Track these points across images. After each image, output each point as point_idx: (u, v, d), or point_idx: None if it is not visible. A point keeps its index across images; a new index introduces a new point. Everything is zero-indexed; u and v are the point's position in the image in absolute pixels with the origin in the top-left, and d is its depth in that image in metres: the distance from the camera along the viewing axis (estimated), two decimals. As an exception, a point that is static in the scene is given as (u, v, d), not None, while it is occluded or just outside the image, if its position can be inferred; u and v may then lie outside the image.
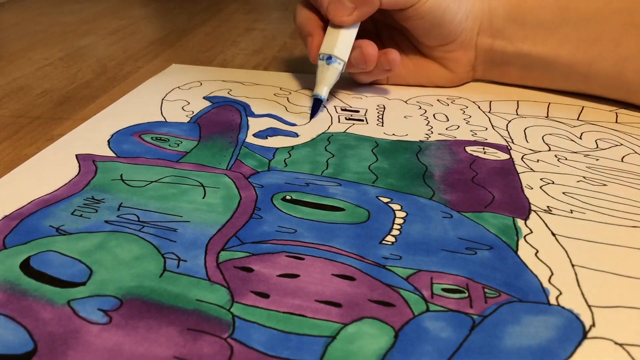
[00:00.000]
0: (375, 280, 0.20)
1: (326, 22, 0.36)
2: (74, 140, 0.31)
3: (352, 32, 0.35)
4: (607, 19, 0.35)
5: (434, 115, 0.36)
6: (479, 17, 0.37)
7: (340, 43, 0.35)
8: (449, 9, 0.35)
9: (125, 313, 0.18)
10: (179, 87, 0.40)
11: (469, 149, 0.31)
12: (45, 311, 0.18)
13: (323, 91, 0.35)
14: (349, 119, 0.35)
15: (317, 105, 0.35)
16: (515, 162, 0.29)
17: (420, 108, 0.37)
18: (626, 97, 0.37)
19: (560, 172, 0.28)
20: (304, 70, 0.45)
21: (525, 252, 0.22)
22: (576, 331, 0.18)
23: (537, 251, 0.22)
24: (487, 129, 0.34)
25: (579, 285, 0.20)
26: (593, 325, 0.18)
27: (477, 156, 0.30)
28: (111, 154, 0.29)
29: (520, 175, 0.28)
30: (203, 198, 0.25)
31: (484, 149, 0.31)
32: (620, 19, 0.35)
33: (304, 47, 0.38)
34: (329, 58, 0.35)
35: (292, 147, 0.31)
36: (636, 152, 0.31)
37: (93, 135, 0.31)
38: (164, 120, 0.34)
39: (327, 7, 0.34)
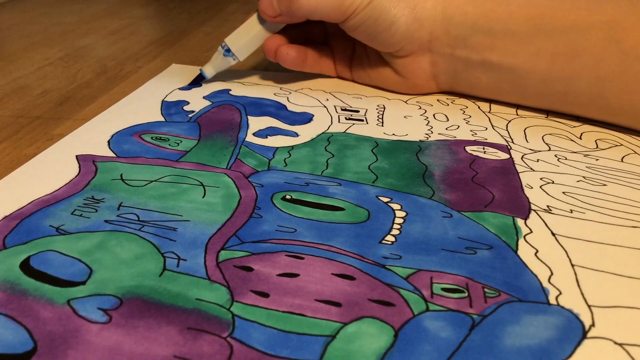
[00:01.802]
0: (375, 279, 0.20)
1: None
2: (74, 140, 0.31)
3: (262, 35, 0.38)
4: (586, 32, 0.32)
5: (433, 115, 0.36)
6: (428, 25, 0.35)
7: (245, 44, 0.38)
8: (379, 19, 0.35)
9: (125, 312, 0.18)
10: (179, 88, 0.40)
11: (469, 148, 0.31)
12: (45, 310, 0.18)
13: (210, 72, 0.40)
14: (349, 119, 0.35)
15: (198, 78, 0.40)
16: (515, 162, 0.29)
17: (420, 108, 0.37)
18: (608, 119, 0.34)
19: (560, 171, 0.29)
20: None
21: (525, 252, 0.22)
22: (576, 331, 0.18)
23: (537, 251, 0.22)
24: (487, 128, 0.34)
25: (578, 285, 0.20)
26: (593, 325, 0.18)
27: (477, 156, 0.30)
28: (111, 154, 0.29)
29: (520, 174, 0.28)
30: (203, 197, 0.25)
31: (484, 148, 0.31)
32: (601, 33, 0.31)
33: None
34: (228, 50, 0.39)
35: (292, 147, 0.31)
36: (636, 152, 0.31)
37: (93, 135, 0.31)
38: (163, 120, 0.34)
39: (259, 1, 0.36)
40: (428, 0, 0.35)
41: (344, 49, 0.42)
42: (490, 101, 0.38)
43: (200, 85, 0.40)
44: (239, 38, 0.38)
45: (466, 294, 0.19)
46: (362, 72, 0.41)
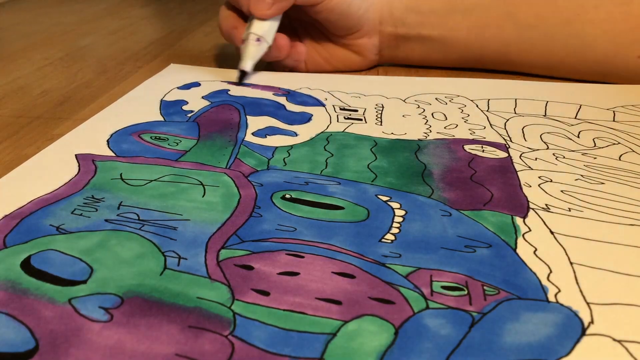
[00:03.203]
0: (375, 278, 0.20)
1: (246, 19, 0.41)
2: (73, 140, 0.31)
3: (276, 21, 0.40)
4: (489, 8, 0.42)
5: (432, 114, 0.36)
6: (379, 9, 0.43)
7: (269, 28, 0.40)
8: (352, 4, 0.41)
9: (127, 311, 0.18)
10: (177, 87, 0.40)
11: (467, 147, 0.31)
12: (47, 309, 0.18)
13: (249, 65, 0.40)
14: (348, 118, 0.35)
15: (243, 76, 0.41)
16: (513, 160, 0.29)
17: (418, 107, 0.37)
18: (514, 70, 0.44)
19: (559, 170, 0.29)
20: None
21: (523, 250, 0.22)
22: (575, 328, 0.18)
23: (536, 249, 0.22)
24: (485, 127, 0.34)
25: (577, 283, 0.20)
26: (592, 322, 0.18)
27: (475, 154, 0.30)
28: (110, 153, 0.29)
29: (518, 173, 0.28)
30: (203, 196, 0.25)
31: (482, 147, 0.31)
32: (499, 8, 0.42)
33: (228, 40, 0.43)
34: (258, 39, 0.40)
35: (291, 146, 0.31)
36: (634, 151, 0.31)
37: (92, 135, 0.31)
38: (162, 119, 0.34)
39: (249, 3, 0.39)
40: None
41: (293, 44, 0.44)
42: (424, 67, 0.46)
43: (244, 83, 0.41)
44: (260, 26, 0.40)
45: (466, 292, 0.19)
46: (318, 60, 0.44)
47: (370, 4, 0.42)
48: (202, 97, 0.38)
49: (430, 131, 0.33)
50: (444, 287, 0.20)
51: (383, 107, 0.37)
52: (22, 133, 0.33)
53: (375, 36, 0.44)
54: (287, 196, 0.25)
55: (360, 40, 0.43)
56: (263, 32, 0.40)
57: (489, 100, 0.38)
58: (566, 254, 0.22)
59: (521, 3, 0.42)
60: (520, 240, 0.23)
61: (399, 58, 0.46)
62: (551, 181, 0.27)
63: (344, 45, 0.44)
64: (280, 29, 0.41)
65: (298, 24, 0.45)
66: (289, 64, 0.44)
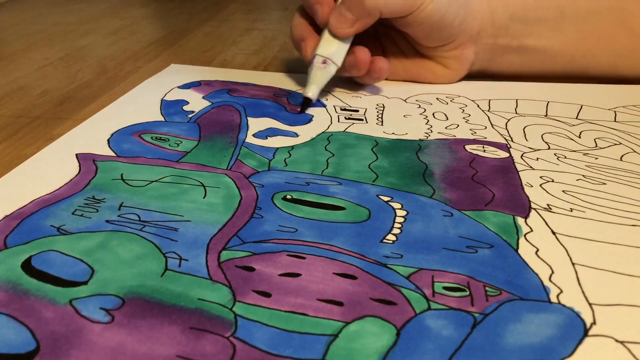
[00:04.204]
0: (376, 278, 0.20)
1: (319, 29, 0.37)
2: (74, 139, 0.31)
3: (347, 41, 0.36)
4: (602, 16, 0.39)
5: (433, 114, 0.36)
6: (478, 17, 0.38)
7: (338, 48, 0.36)
8: (448, 13, 0.36)
9: (128, 312, 0.18)
10: (177, 87, 0.40)
11: (468, 147, 0.31)
12: (47, 310, 0.18)
13: (314, 92, 0.36)
14: (349, 119, 0.35)
15: (306, 104, 0.36)
16: (514, 161, 0.29)
17: (419, 107, 0.37)
18: (620, 81, 0.41)
19: (560, 170, 0.29)
20: (303, 70, 0.45)
21: (525, 251, 0.22)
22: (577, 329, 0.18)
23: (538, 249, 0.22)
24: (486, 127, 0.34)
25: (579, 284, 0.20)
26: (594, 323, 0.18)
27: (476, 154, 0.30)
28: (111, 153, 0.29)
29: (520, 173, 0.28)
30: (204, 198, 0.25)
31: (483, 147, 0.31)
32: (613, 16, 0.39)
33: (297, 51, 0.39)
34: (325, 62, 0.36)
35: (292, 147, 0.31)
36: (635, 151, 0.31)
37: (93, 134, 0.31)
38: (163, 120, 0.34)
39: (328, 19, 0.35)
40: None
41: (374, 50, 0.39)
42: (513, 78, 0.42)
43: (308, 109, 0.37)
44: (328, 45, 0.36)
45: (467, 293, 0.19)
46: (398, 68, 0.41)
47: (468, 13, 0.38)
48: (203, 98, 0.38)
49: (432, 131, 0.33)
50: (445, 288, 0.20)
51: (384, 107, 0.37)
52: (22, 133, 0.33)
53: (471, 47, 0.39)
54: (288, 197, 0.25)
55: (453, 52, 0.39)
56: (330, 54, 0.36)
57: (490, 100, 0.38)
58: (568, 255, 0.22)
59: (638, 11, 0.39)
60: (522, 240, 0.22)
61: (491, 70, 0.42)
62: (553, 181, 0.27)
63: (434, 58, 0.40)
64: (362, 39, 0.37)
65: (382, 32, 0.41)
66: (366, 82, 0.40)
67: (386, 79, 0.41)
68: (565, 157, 0.30)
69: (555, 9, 0.39)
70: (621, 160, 0.30)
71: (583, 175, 0.28)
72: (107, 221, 0.23)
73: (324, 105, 0.37)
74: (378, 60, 0.37)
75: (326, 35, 0.36)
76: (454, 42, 0.38)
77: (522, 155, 0.30)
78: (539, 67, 0.41)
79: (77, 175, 0.27)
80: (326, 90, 0.40)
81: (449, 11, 0.36)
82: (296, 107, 0.37)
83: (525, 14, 0.39)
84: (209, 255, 0.21)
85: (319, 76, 0.36)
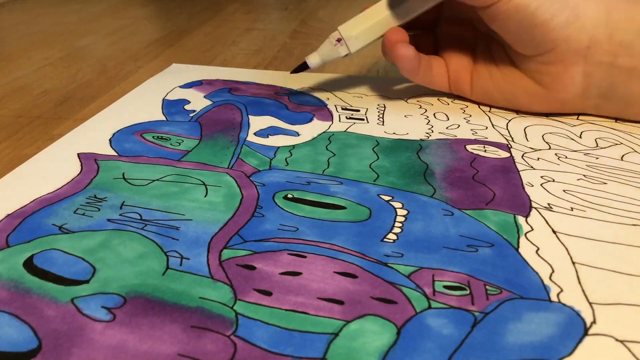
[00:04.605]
0: (377, 277, 0.20)
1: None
2: (75, 139, 0.31)
3: (384, 24, 0.34)
4: None
5: (434, 114, 0.36)
6: (590, 27, 0.30)
7: (360, 33, 0.34)
8: (541, 9, 0.29)
9: (129, 311, 0.18)
10: (179, 86, 0.40)
11: (469, 147, 0.31)
12: (49, 309, 0.18)
13: (314, 61, 0.36)
14: (350, 118, 0.35)
15: (301, 67, 0.36)
16: (515, 160, 0.29)
17: (420, 107, 0.37)
18: None
19: (561, 170, 0.29)
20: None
21: (526, 250, 0.22)
22: (577, 328, 0.18)
23: (538, 248, 0.22)
24: (487, 127, 0.34)
25: (579, 283, 0.20)
26: (594, 322, 0.18)
27: (477, 154, 0.30)
28: (113, 152, 0.29)
29: (520, 173, 0.28)
30: (205, 196, 0.25)
31: (484, 147, 0.31)
32: None
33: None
34: (339, 40, 0.34)
35: (293, 146, 0.31)
36: (635, 151, 0.31)
37: (94, 134, 0.31)
38: (164, 119, 0.34)
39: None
40: (592, 1, 0.31)
41: (459, 58, 0.36)
42: None
43: (302, 70, 0.37)
44: (355, 26, 0.34)
45: (468, 292, 0.19)
46: (488, 85, 0.35)
47: (575, 17, 0.30)
48: (204, 97, 0.38)
49: (432, 131, 0.33)
50: (446, 287, 0.20)
51: (385, 107, 0.37)
52: (22, 133, 0.33)
53: (578, 66, 0.31)
54: (289, 196, 0.25)
55: (552, 66, 0.31)
56: (348, 35, 0.34)
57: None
58: (568, 254, 0.22)
59: None
60: (522, 239, 0.23)
61: (614, 105, 0.33)
62: (553, 181, 0.27)
63: (530, 72, 0.33)
64: (460, 43, 0.33)
65: (479, 39, 0.35)
66: (425, 84, 0.36)
67: (474, 99, 0.36)
68: (566, 157, 0.30)
69: None
70: (622, 160, 0.30)
71: (584, 175, 0.28)
72: (108, 220, 0.23)
73: (325, 105, 0.37)
74: (401, 46, 0.33)
75: (360, 14, 0.34)
76: (552, 52, 0.31)
77: (523, 155, 0.30)
78: None
79: (78, 174, 0.27)
80: (327, 90, 0.40)
81: (542, 7, 0.29)
82: (299, 106, 0.37)
83: None
84: (210, 254, 0.21)
85: (327, 50, 0.35)
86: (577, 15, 0.30)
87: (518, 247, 0.22)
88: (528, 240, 0.23)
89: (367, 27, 0.34)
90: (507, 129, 0.34)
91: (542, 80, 0.32)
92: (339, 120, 0.35)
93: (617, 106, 0.33)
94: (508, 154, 0.30)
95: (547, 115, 0.36)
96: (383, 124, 0.34)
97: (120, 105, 0.36)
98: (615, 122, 0.35)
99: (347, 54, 0.35)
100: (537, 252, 0.22)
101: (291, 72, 0.36)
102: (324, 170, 0.28)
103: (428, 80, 0.36)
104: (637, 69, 0.30)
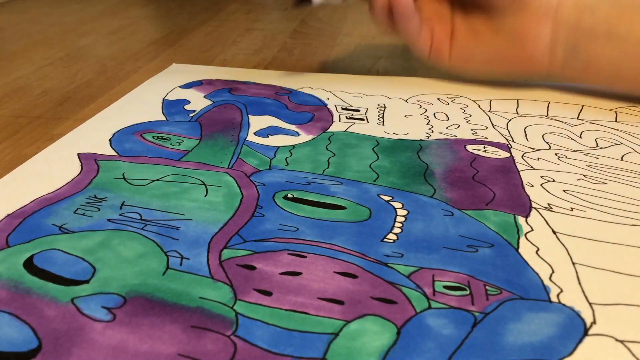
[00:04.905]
0: (377, 277, 0.20)
1: None
2: (75, 139, 0.31)
3: None
4: None
5: (434, 114, 0.36)
6: None
7: None
8: None
9: (129, 310, 0.18)
10: (179, 86, 0.40)
11: (469, 147, 0.31)
12: (49, 309, 0.18)
13: None
14: (350, 118, 0.35)
15: (302, 1, 0.35)
16: (515, 160, 0.29)
17: (420, 107, 0.37)
18: None
19: (561, 170, 0.29)
20: (304, 69, 0.45)
21: (526, 250, 0.22)
22: (577, 328, 0.18)
23: (538, 249, 0.22)
24: (487, 127, 0.34)
25: (579, 283, 0.20)
26: (594, 322, 0.18)
27: (477, 154, 0.30)
28: (113, 152, 0.29)
29: (520, 173, 0.28)
30: (205, 196, 0.25)
31: (484, 147, 0.31)
32: None
33: None
34: None
35: (293, 146, 0.31)
36: (636, 151, 0.31)
37: (94, 134, 0.31)
38: (165, 119, 0.34)
39: None
40: None
41: (441, 25, 0.37)
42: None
43: (308, 5, 0.36)
44: None
45: (468, 292, 0.19)
46: (465, 49, 0.36)
47: None
48: (205, 97, 0.38)
49: (432, 131, 0.33)
50: (446, 287, 0.20)
51: (385, 107, 0.37)
52: (22, 133, 0.33)
53: (548, 22, 0.33)
54: (290, 196, 0.25)
55: (525, 21, 0.33)
56: None
57: (490, 100, 0.38)
58: (568, 254, 0.22)
59: None
60: (522, 239, 0.23)
61: (577, 66, 0.34)
62: (553, 181, 0.27)
63: (505, 32, 0.34)
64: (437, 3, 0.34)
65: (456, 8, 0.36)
66: (408, 41, 0.36)
67: (452, 65, 0.37)
68: (566, 157, 0.30)
69: None
70: (622, 160, 0.30)
71: (584, 175, 0.28)
72: (108, 220, 0.23)
73: (325, 105, 0.37)
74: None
75: None
76: (527, 7, 0.33)
77: (523, 155, 0.30)
78: (633, 68, 0.33)
79: (78, 174, 0.27)
80: (327, 90, 0.40)
81: None
82: (299, 106, 0.37)
83: None
84: (210, 254, 0.21)
85: None
86: None
87: (518, 247, 0.22)
88: (528, 240, 0.23)
89: None
90: (507, 128, 0.34)
91: (514, 36, 0.34)
92: (339, 120, 0.35)
93: (578, 66, 0.35)
94: (508, 154, 0.30)
95: (547, 114, 0.36)
96: (383, 124, 0.34)
97: (120, 105, 0.36)
98: (616, 121, 0.35)
99: None
100: (537, 252, 0.22)
101: (293, 7, 0.35)
102: (324, 170, 0.28)
103: (415, 37, 0.37)
104: (597, 31, 0.33)
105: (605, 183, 0.27)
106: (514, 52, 0.35)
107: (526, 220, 0.24)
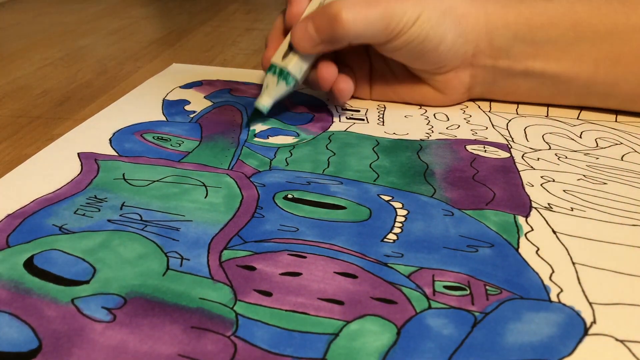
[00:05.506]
0: (377, 277, 0.20)
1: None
2: (75, 138, 0.31)
3: (310, 57, 0.32)
4: (627, 36, 0.33)
5: (434, 114, 0.36)
6: (473, 39, 0.34)
7: (299, 60, 0.32)
8: (429, 38, 0.32)
9: (129, 311, 0.18)
10: (179, 87, 0.40)
11: (469, 147, 0.31)
12: (50, 309, 0.18)
13: (266, 103, 0.32)
14: (350, 118, 0.35)
15: (256, 115, 0.33)
16: (515, 161, 0.29)
17: (420, 107, 0.37)
18: None
19: (561, 170, 0.29)
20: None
21: (526, 250, 0.22)
22: (577, 328, 0.18)
23: (538, 249, 0.22)
24: (487, 128, 0.34)
25: (579, 283, 0.20)
26: (594, 322, 0.18)
27: (477, 154, 0.30)
28: (113, 152, 0.29)
29: (520, 173, 0.28)
30: (205, 197, 0.25)
31: (484, 147, 0.31)
32: (638, 38, 0.32)
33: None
34: (281, 73, 0.32)
35: (293, 146, 0.31)
36: (636, 151, 0.31)
37: (95, 133, 0.31)
38: (165, 119, 0.34)
39: (292, 29, 0.32)
40: (471, 13, 0.33)
41: (360, 66, 0.38)
42: (520, 103, 0.38)
43: (261, 119, 0.34)
44: (287, 56, 0.32)
45: (468, 292, 0.19)
46: (387, 89, 0.38)
47: (458, 35, 0.33)
48: (205, 97, 0.38)
49: (432, 131, 0.33)
50: (446, 287, 0.20)
51: (385, 107, 0.37)
52: (22, 133, 0.33)
53: (466, 71, 0.35)
54: (290, 196, 0.25)
55: (445, 75, 0.35)
56: (290, 67, 0.31)
57: (490, 101, 0.38)
58: (568, 254, 0.22)
59: None
60: (522, 239, 0.23)
61: (496, 94, 0.37)
62: (553, 181, 0.27)
63: (426, 80, 0.36)
64: (347, 52, 0.34)
65: (371, 49, 0.36)
66: (332, 100, 0.37)
67: (374, 99, 0.38)
68: (566, 157, 0.30)
69: (567, 28, 0.33)
70: (622, 160, 0.30)
71: (584, 175, 0.28)
72: (108, 220, 0.23)
73: (325, 105, 0.37)
74: (341, 80, 0.34)
75: (284, 42, 0.32)
76: (445, 67, 0.34)
77: (523, 156, 0.30)
78: (550, 93, 0.36)
79: (79, 174, 0.27)
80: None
81: (430, 35, 0.32)
82: (299, 106, 0.37)
83: (531, 33, 0.33)
84: (210, 254, 0.21)
85: (273, 89, 0.32)
86: (460, 33, 0.33)
87: (518, 247, 0.22)
88: (528, 240, 0.23)
89: (300, 57, 0.32)
90: (507, 129, 0.34)
91: (436, 86, 0.36)
92: (339, 120, 0.35)
93: (500, 95, 0.38)
94: (508, 154, 0.30)
95: (547, 115, 0.36)
96: (383, 124, 0.34)
97: (120, 105, 0.36)
98: (616, 121, 0.35)
99: (294, 82, 0.32)
100: (537, 252, 0.22)
101: (246, 125, 0.33)
102: (324, 170, 0.28)
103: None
104: (514, 69, 0.35)
105: (605, 183, 0.27)
106: (434, 95, 0.37)
107: (526, 220, 0.24)
